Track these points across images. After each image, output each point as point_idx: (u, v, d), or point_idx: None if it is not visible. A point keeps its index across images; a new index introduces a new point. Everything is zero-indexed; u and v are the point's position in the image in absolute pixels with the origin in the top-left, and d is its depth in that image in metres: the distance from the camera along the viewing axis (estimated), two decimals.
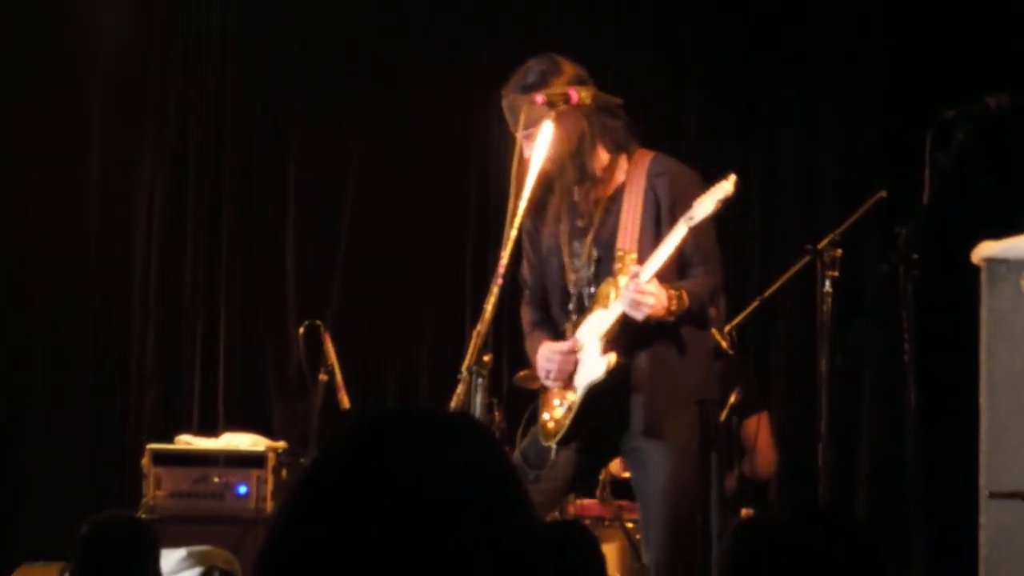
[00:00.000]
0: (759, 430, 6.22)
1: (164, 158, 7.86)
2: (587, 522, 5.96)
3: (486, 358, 4.24)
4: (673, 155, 4.88)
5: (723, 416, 5.51)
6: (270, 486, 6.38)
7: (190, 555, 5.29)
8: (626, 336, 4.55)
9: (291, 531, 1.59)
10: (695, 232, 4.44)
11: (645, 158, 4.71)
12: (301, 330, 6.49)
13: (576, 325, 4.69)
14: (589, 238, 4.70)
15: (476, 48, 7.54)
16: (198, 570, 5.25)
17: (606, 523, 6.14)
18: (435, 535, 1.54)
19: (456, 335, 7.28)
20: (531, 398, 5.01)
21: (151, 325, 7.76)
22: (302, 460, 6.45)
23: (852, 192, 6.19)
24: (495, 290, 4.31)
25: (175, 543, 5.29)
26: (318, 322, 6.42)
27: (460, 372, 4.26)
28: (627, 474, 5.47)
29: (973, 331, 4.50)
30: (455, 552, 1.53)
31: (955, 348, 5.37)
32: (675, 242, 4.42)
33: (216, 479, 6.40)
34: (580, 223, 4.73)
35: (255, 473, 6.41)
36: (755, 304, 5.83)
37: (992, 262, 4.45)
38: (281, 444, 6.61)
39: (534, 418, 4.84)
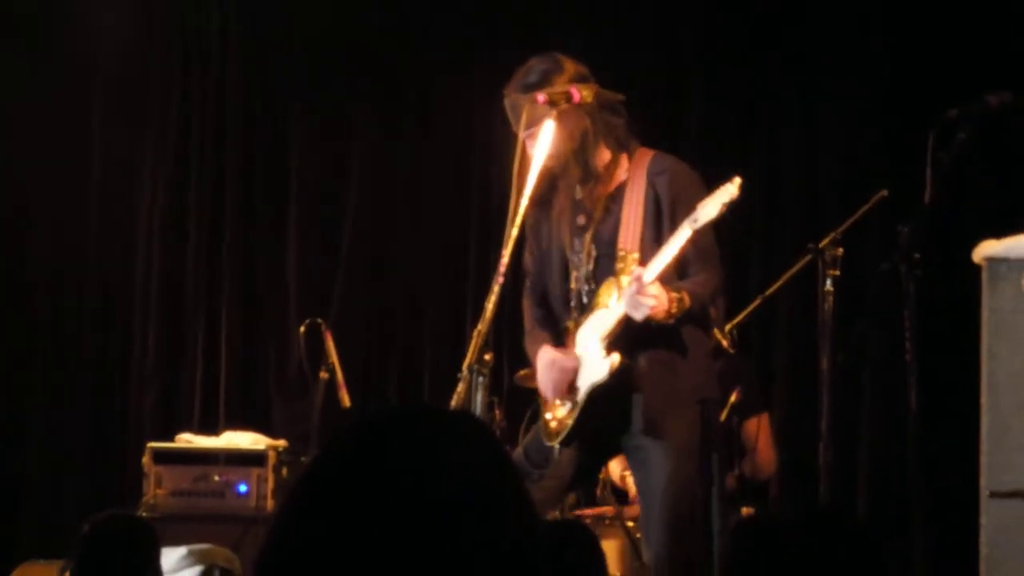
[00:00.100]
0: (759, 430, 6.23)
1: (165, 158, 7.86)
2: (587, 521, 5.97)
3: (487, 357, 4.24)
4: (673, 155, 4.88)
5: (723, 416, 5.51)
6: (271, 484, 6.38)
7: (191, 553, 5.29)
8: (628, 337, 4.55)
9: (291, 530, 1.59)
10: (695, 233, 4.44)
11: (646, 157, 4.71)
12: (302, 328, 6.49)
13: (578, 324, 4.69)
14: (589, 235, 4.70)
15: (476, 48, 7.53)
16: (198, 568, 5.26)
17: (606, 522, 6.14)
18: (434, 535, 1.53)
19: (457, 334, 7.28)
20: (532, 397, 5.02)
21: (152, 324, 7.76)
22: (303, 458, 6.45)
23: (853, 192, 6.19)
24: (496, 289, 4.31)
25: (175, 541, 5.29)
26: (319, 320, 6.43)
27: (461, 371, 4.26)
28: (627, 472, 5.47)
29: (974, 331, 4.50)
30: (454, 552, 1.53)
31: (956, 347, 5.37)
32: (678, 244, 4.42)
33: (217, 477, 6.40)
34: (580, 220, 4.73)
35: (256, 471, 6.41)
36: (756, 303, 5.83)
37: (993, 261, 4.45)
38: (282, 442, 6.61)
39: (536, 416, 4.84)
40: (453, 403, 4.25)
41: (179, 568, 5.23)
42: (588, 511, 6.27)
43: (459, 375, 4.26)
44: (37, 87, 7.80)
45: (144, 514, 6.11)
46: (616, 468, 6.22)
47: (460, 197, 7.66)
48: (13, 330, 7.77)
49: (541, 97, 4.50)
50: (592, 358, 4.61)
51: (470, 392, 4.23)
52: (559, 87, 4.55)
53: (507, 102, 4.67)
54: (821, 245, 4.85)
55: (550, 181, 4.67)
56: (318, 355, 6.39)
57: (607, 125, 4.67)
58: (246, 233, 7.82)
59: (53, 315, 7.81)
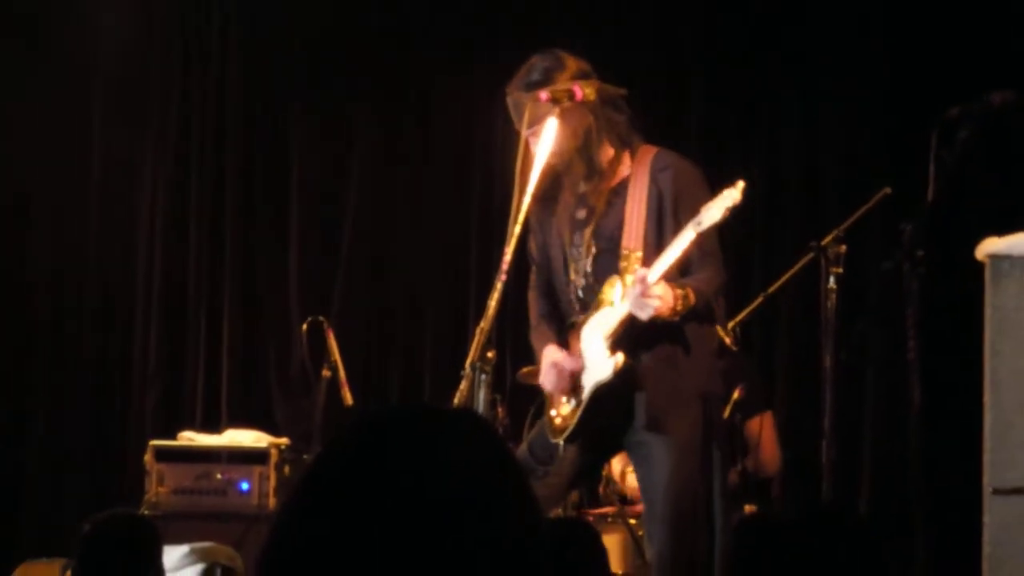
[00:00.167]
0: (762, 428, 6.22)
1: (165, 158, 7.87)
2: (590, 519, 5.97)
3: (489, 355, 4.24)
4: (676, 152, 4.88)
5: (726, 413, 5.50)
6: (272, 483, 6.37)
7: (193, 551, 5.29)
8: (632, 334, 4.55)
9: (292, 529, 1.58)
10: (699, 235, 4.44)
11: (649, 153, 4.71)
12: (304, 326, 6.50)
13: (583, 322, 4.69)
14: (589, 230, 4.70)
15: (477, 48, 7.54)
16: (200, 566, 5.26)
17: (609, 519, 6.14)
18: (435, 535, 1.53)
19: (459, 332, 7.29)
20: (534, 394, 5.01)
21: (154, 323, 7.76)
22: (305, 456, 6.45)
23: (854, 190, 6.18)
24: (499, 286, 4.31)
25: (178, 540, 5.30)
26: (321, 319, 6.43)
27: (463, 369, 4.26)
28: (629, 469, 5.47)
29: (977, 328, 4.49)
30: (456, 551, 1.53)
31: (959, 345, 5.36)
32: (682, 246, 4.43)
33: (219, 476, 6.39)
34: (581, 215, 4.73)
35: (258, 469, 6.41)
36: (758, 301, 5.83)
37: (996, 259, 4.45)
38: (284, 440, 6.61)
39: (540, 412, 4.84)
40: (456, 401, 4.25)
41: (181, 566, 5.23)
42: (591, 509, 6.26)
43: (462, 373, 4.27)
44: (37, 87, 7.81)
45: (146, 512, 6.11)
46: (617, 466, 6.21)
47: (461, 196, 7.66)
48: (14, 329, 7.77)
49: (544, 95, 4.50)
50: (596, 356, 4.61)
51: (473, 390, 4.23)
52: (562, 85, 4.55)
53: (509, 100, 4.66)
54: (823, 243, 4.84)
55: (554, 178, 4.67)
56: (320, 353, 6.40)
57: (610, 122, 4.67)
58: (247, 232, 7.83)
59: (54, 314, 7.81)
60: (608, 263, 4.66)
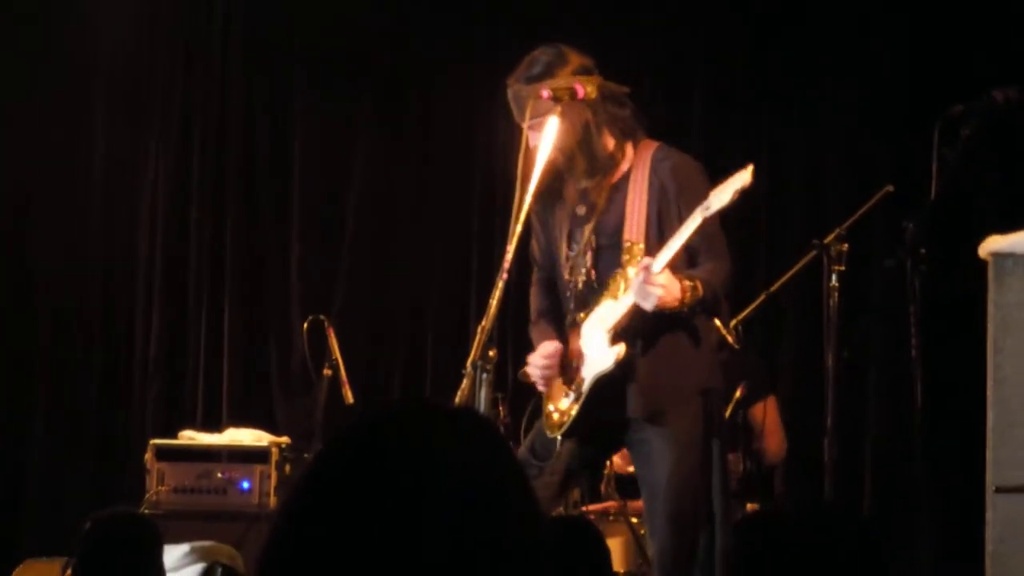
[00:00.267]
0: (766, 413, 6.19)
1: (167, 157, 7.86)
2: (591, 516, 5.96)
3: (491, 353, 4.23)
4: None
5: (728, 411, 5.50)
6: (273, 481, 6.37)
7: (193, 550, 5.28)
8: (635, 327, 4.53)
9: (292, 529, 1.58)
10: (704, 221, 4.42)
11: (650, 147, 4.70)
12: (305, 325, 6.49)
13: (584, 318, 4.68)
14: (590, 226, 4.69)
15: (477, 47, 7.53)
16: (201, 566, 5.25)
17: (610, 517, 6.14)
18: (435, 535, 1.52)
19: (460, 330, 7.29)
20: (535, 393, 5.00)
21: (155, 322, 7.76)
22: (306, 455, 6.44)
23: (856, 188, 6.18)
24: (500, 285, 4.31)
25: (178, 539, 5.29)
26: (322, 317, 6.42)
27: (465, 367, 4.25)
28: (631, 468, 5.46)
29: (980, 326, 4.48)
30: (456, 551, 1.52)
31: (962, 343, 5.36)
32: (688, 232, 4.40)
33: (219, 474, 6.39)
34: (581, 211, 4.72)
35: (258, 468, 6.40)
36: (761, 299, 5.82)
37: (999, 256, 4.43)
38: (284, 439, 6.60)
39: (538, 411, 4.83)
40: (457, 400, 4.24)
41: (182, 565, 5.22)
42: (592, 506, 6.26)
43: (463, 372, 4.26)
44: (38, 87, 7.81)
45: (147, 511, 6.10)
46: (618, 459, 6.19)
47: (462, 194, 7.66)
48: (15, 328, 7.77)
49: (545, 93, 4.49)
50: (597, 349, 4.60)
51: (474, 389, 4.22)
52: (563, 80, 4.53)
53: (510, 92, 4.65)
54: (826, 241, 4.83)
55: (555, 175, 4.66)
56: (321, 352, 6.39)
57: (610, 116, 4.65)
58: (248, 231, 7.83)
59: (56, 313, 7.81)
60: (610, 259, 4.65)
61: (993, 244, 4.46)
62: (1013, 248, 4.42)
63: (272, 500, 6.34)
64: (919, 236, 4.30)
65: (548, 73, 4.56)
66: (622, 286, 4.56)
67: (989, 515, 4.39)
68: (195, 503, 6.35)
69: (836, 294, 4.77)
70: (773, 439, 6.33)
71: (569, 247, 4.74)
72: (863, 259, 5.77)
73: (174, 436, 6.70)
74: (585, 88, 4.52)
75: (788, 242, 6.79)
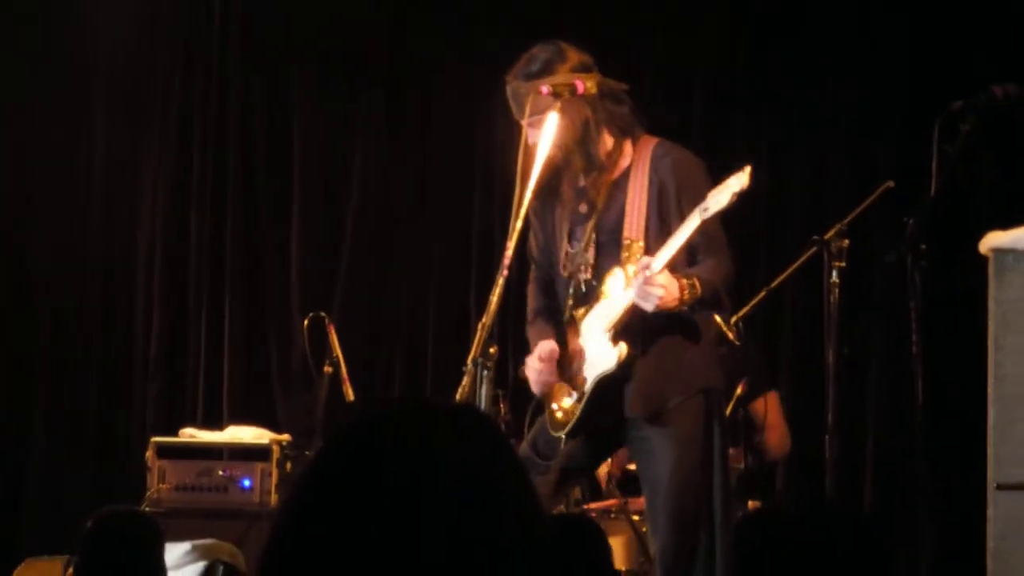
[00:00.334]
0: (767, 408, 6.18)
1: (167, 156, 7.87)
2: (593, 514, 5.96)
3: (492, 350, 4.23)
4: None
5: (729, 409, 5.49)
6: (274, 479, 6.36)
7: (194, 548, 5.28)
8: (635, 326, 4.53)
9: (292, 528, 1.58)
10: (703, 221, 4.42)
11: (650, 144, 4.69)
12: (305, 323, 6.49)
13: (582, 316, 4.67)
14: (591, 223, 4.68)
15: (477, 47, 7.53)
16: (202, 564, 5.25)
17: (612, 514, 6.13)
18: (433, 533, 1.52)
19: (461, 327, 7.28)
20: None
21: (155, 320, 7.77)
22: (307, 453, 6.44)
23: (857, 184, 6.17)
24: (500, 282, 4.30)
25: (179, 536, 5.28)
26: (323, 314, 6.42)
27: (465, 364, 4.25)
28: (632, 465, 5.46)
29: (980, 322, 4.48)
30: (455, 550, 1.52)
31: (962, 339, 5.35)
32: (687, 233, 4.39)
33: (220, 472, 6.38)
34: (582, 208, 4.71)
35: (259, 466, 6.39)
36: (761, 295, 5.81)
37: (1000, 252, 4.43)
38: (285, 437, 6.59)
39: (540, 408, 4.82)
40: (458, 397, 4.24)
41: (183, 563, 5.22)
42: (594, 504, 6.25)
43: (464, 369, 4.25)
44: (38, 87, 7.80)
45: (148, 509, 6.10)
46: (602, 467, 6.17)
47: (461, 193, 7.66)
48: (15, 327, 7.77)
49: (545, 88, 4.49)
50: (598, 349, 4.59)
51: (475, 386, 4.22)
52: (562, 76, 4.53)
53: (508, 89, 4.64)
54: (826, 237, 4.83)
55: (554, 172, 4.65)
56: (322, 349, 6.39)
57: (610, 114, 4.65)
58: (248, 229, 7.82)
59: (56, 312, 7.81)
60: (611, 256, 4.64)
61: (994, 240, 4.45)
62: (1014, 244, 4.41)
63: (273, 498, 6.33)
64: (920, 232, 4.29)
65: (547, 70, 4.55)
66: (621, 283, 4.56)
67: (990, 512, 4.39)
68: (196, 501, 6.34)
69: (836, 290, 4.76)
70: (774, 434, 6.31)
71: (570, 244, 4.73)
72: (864, 255, 5.76)
73: (175, 434, 6.69)
74: (585, 84, 4.52)
75: (788, 238, 6.78)
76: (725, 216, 4.53)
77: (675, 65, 7.53)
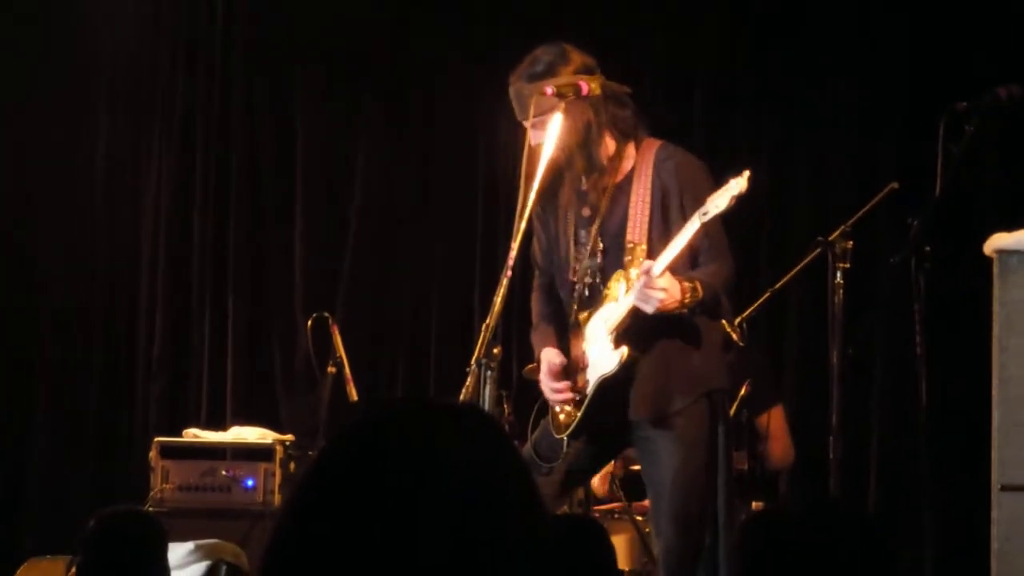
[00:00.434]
0: (771, 422, 6.19)
1: (169, 156, 7.87)
2: (597, 515, 5.95)
3: (495, 351, 4.24)
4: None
5: (733, 409, 5.48)
6: (278, 479, 6.36)
7: (197, 548, 5.28)
8: (637, 328, 4.53)
9: (294, 528, 1.57)
10: (704, 224, 4.42)
11: (652, 147, 4.69)
12: (309, 323, 6.49)
13: (586, 319, 4.67)
14: (595, 227, 4.68)
15: (478, 47, 7.53)
16: (205, 563, 5.25)
17: (615, 515, 6.13)
18: (435, 534, 1.52)
19: (465, 328, 7.28)
20: (540, 391, 5.00)
21: (158, 320, 7.77)
22: (310, 453, 6.44)
23: (861, 185, 6.16)
24: (504, 282, 4.31)
25: (182, 536, 5.28)
26: (326, 315, 6.42)
27: (469, 365, 4.25)
28: (637, 467, 5.45)
29: (985, 324, 4.48)
30: (458, 551, 1.52)
31: (967, 341, 5.35)
32: (687, 236, 4.39)
33: (224, 472, 6.38)
34: (586, 212, 4.71)
35: (263, 466, 6.39)
36: (766, 296, 5.81)
37: (1004, 254, 4.43)
38: (289, 437, 6.59)
39: (543, 410, 4.82)
40: (462, 397, 4.24)
41: (186, 563, 5.22)
42: (598, 505, 6.25)
43: (467, 369, 4.26)
44: (39, 87, 7.81)
45: (151, 509, 6.09)
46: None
47: (464, 193, 7.66)
48: (18, 327, 7.77)
49: (549, 89, 4.49)
50: (601, 351, 4.60)
51: (479, 386, 4.22)
52: (565, 78, 4.53)
53: (512, 90, 4.64)
54: (831, 238, 4.83)
55: (556, 173, 4.65)
56: (325, 349, 6.39)
57: (612, 116, 4.65)
58: (252, 229, 7.83)
59: (58, 312, 7.81)
60: (615, 259, 4.64)
61: (998, 241, 4.45)
62: (1018, 245, 4.41)
63: (276, 498, 6.33)
64: (924, 233, 4.29)
65: (551, 71, 4.55)
66: (624, 287, 4.56)
67: (994, 513, 4.39)
68: (199, 501, 6.35)
69: (841, 291, 4.76)
70: (778, 444, 6.31)
71: (576, 248, 4.73)
72: (868, 256, 5.75)
73: (178, 434, 6.69)
74: (589, 86, 4.52)
75: (792, 240, 6.78)
76: (726, 217, 4.53)
77: (675, 65, 7.52)
